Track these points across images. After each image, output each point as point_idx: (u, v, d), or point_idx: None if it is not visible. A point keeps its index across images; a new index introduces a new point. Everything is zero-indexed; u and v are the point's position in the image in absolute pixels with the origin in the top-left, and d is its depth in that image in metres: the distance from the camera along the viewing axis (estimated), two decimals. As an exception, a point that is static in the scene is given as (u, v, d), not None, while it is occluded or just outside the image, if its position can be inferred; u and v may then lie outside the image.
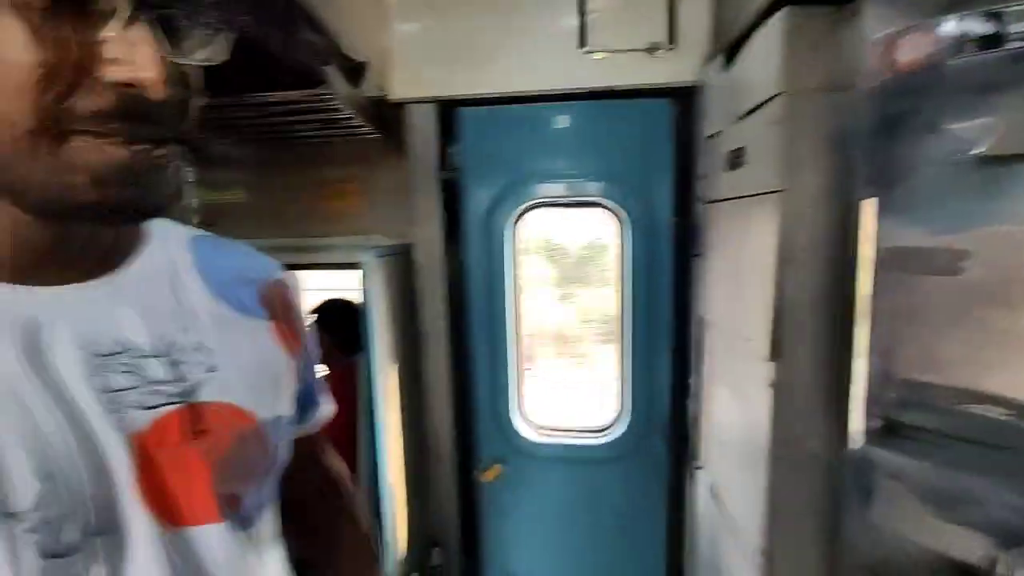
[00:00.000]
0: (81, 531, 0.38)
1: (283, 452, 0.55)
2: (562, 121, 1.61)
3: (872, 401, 0.86)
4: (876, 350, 0.83)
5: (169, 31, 0.36)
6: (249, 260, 0.57)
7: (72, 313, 0.40)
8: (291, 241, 1.81)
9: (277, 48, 1.26)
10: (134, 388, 0.42)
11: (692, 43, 1.48)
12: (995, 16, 0.59)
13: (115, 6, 0.33)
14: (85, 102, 0.34)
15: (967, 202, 0.68)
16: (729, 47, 1.29)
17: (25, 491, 0.36)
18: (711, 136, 1.40)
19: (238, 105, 1.33)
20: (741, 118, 1.15)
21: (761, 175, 1.04)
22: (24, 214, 0.37)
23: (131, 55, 0.34)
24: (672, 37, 1.48)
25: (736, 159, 1.19)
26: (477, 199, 1.68)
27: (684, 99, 1.57)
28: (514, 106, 1.60)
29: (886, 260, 0.79)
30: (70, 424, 0.38)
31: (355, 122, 1.49)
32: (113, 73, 0.34)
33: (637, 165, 1.62)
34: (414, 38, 1.60)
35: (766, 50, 1.00)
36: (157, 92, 0.35)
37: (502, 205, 1.68)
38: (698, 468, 1.58)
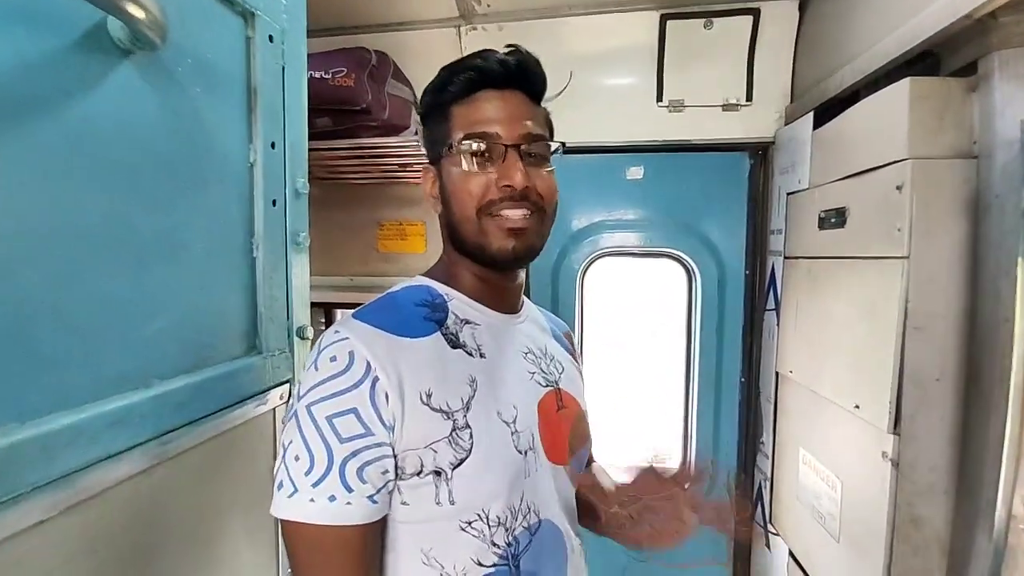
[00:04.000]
0: (528, 444, 0.63)
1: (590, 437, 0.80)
2: (635, 172, 1.61)
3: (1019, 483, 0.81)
4: (1028, 431, 0.78)
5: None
6: (555, 319, 0.87)
7: (512, 328, 0.71)
8: (349, 280, 1.79)
9: (371, 98, 1.27)
10: (536, 372, 0.70)
11: (769, 100, 1.49)
12: None
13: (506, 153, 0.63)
14: (494, 195, 0.62)
15: None
16: (818, 107, 1.30)
17: (512, 411, 0.63)
18: (793, 192, 1.39)
19: (327, 150, 1.33)
20: (844, 178, 1.14)
21: (875, 238, 1.01)
22: (476, 265, 0.67)
23: (511, 173, 0.62)
24: (749, 94, 1.49)
25: (833, 218, 1.17)
26: (547, 246, 1.66)
27: (757, 153, 1.58)
28: (588, 155, 1.60)
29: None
30: (523, 380, 0.68)
31: (431, 167, 1.49)
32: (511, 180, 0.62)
33: (709, 217, 1.60)
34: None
35: (884, 115, 0.99)
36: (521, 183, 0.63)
37: (572, 253, 1.66)
38: (774, 534, 1.50)
